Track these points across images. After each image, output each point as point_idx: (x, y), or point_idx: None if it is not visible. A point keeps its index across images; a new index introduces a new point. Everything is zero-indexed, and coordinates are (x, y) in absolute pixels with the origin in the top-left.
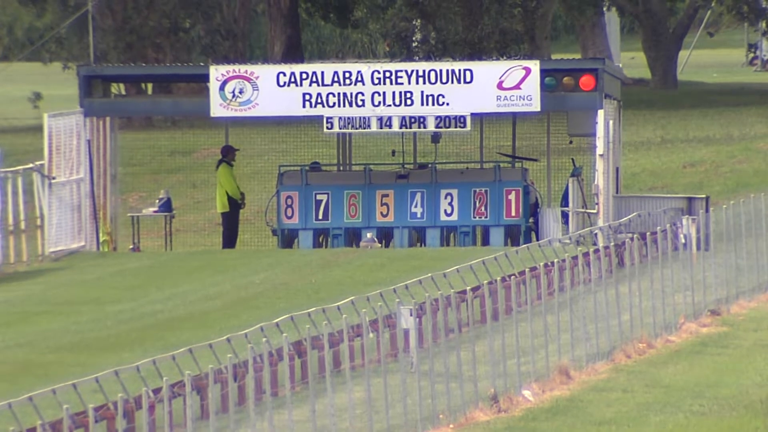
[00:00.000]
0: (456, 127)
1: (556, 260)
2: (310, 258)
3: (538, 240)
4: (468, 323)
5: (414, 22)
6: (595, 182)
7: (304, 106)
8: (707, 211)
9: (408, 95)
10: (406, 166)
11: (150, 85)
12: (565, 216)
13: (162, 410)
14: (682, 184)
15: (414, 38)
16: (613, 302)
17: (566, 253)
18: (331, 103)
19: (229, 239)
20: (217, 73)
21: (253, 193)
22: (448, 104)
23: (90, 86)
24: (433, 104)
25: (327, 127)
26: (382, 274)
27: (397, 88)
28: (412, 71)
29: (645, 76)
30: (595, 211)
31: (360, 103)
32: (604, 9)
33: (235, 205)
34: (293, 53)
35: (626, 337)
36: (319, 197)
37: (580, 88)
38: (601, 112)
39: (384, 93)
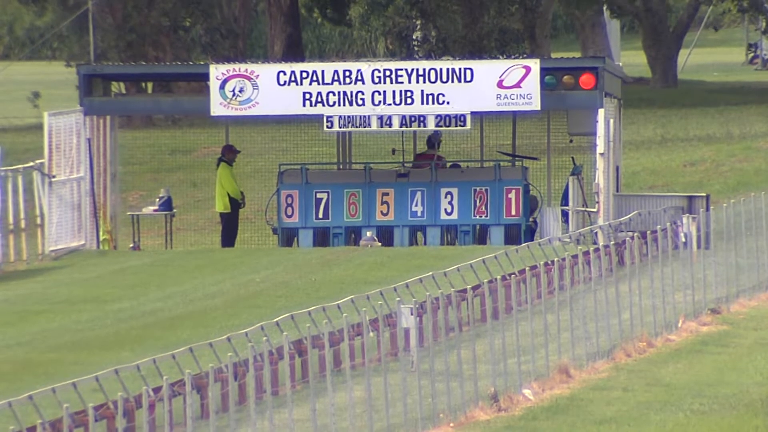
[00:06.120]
0: (456, 125)
1: (556, 259)
2: (311, 257)
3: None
4: (468, 322)
5: (414, 21)
6: (596, 181)
7: (304, 105)
8: (707, 209)
9: (408, 94)
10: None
11: (150, 84)
12: (565, 215)
13: (162, 409)
14: (683, 182)
15: (414, 37)
16: (613, 301)
17: (566, 251)
18: (331, 102)
19: (228, 238)
20: (217, 71)
21: (254, 192)
22: (448, 103)
23: (90, 85)
24: (433, 103)
25: (327, 126)
26: (382, 272)
27: (397, 87)
28: (413, 70)
29: (645, 75)
30: (595, 209)
31: (360, 102)
32: (605, 9)
33: (235, 204)
34: (294, 52)
35: (626, 336)
36: (319, 196)
37: (580, 87)
38: (601, 111)
39: (384, 92)
